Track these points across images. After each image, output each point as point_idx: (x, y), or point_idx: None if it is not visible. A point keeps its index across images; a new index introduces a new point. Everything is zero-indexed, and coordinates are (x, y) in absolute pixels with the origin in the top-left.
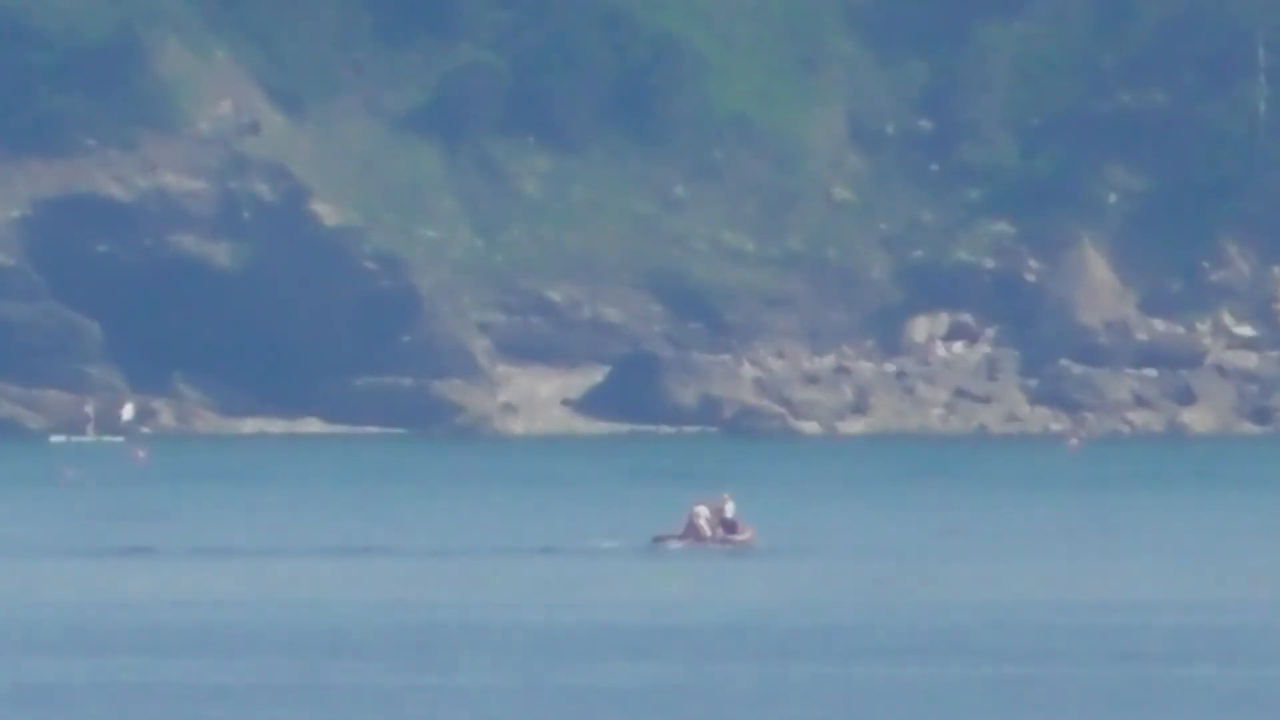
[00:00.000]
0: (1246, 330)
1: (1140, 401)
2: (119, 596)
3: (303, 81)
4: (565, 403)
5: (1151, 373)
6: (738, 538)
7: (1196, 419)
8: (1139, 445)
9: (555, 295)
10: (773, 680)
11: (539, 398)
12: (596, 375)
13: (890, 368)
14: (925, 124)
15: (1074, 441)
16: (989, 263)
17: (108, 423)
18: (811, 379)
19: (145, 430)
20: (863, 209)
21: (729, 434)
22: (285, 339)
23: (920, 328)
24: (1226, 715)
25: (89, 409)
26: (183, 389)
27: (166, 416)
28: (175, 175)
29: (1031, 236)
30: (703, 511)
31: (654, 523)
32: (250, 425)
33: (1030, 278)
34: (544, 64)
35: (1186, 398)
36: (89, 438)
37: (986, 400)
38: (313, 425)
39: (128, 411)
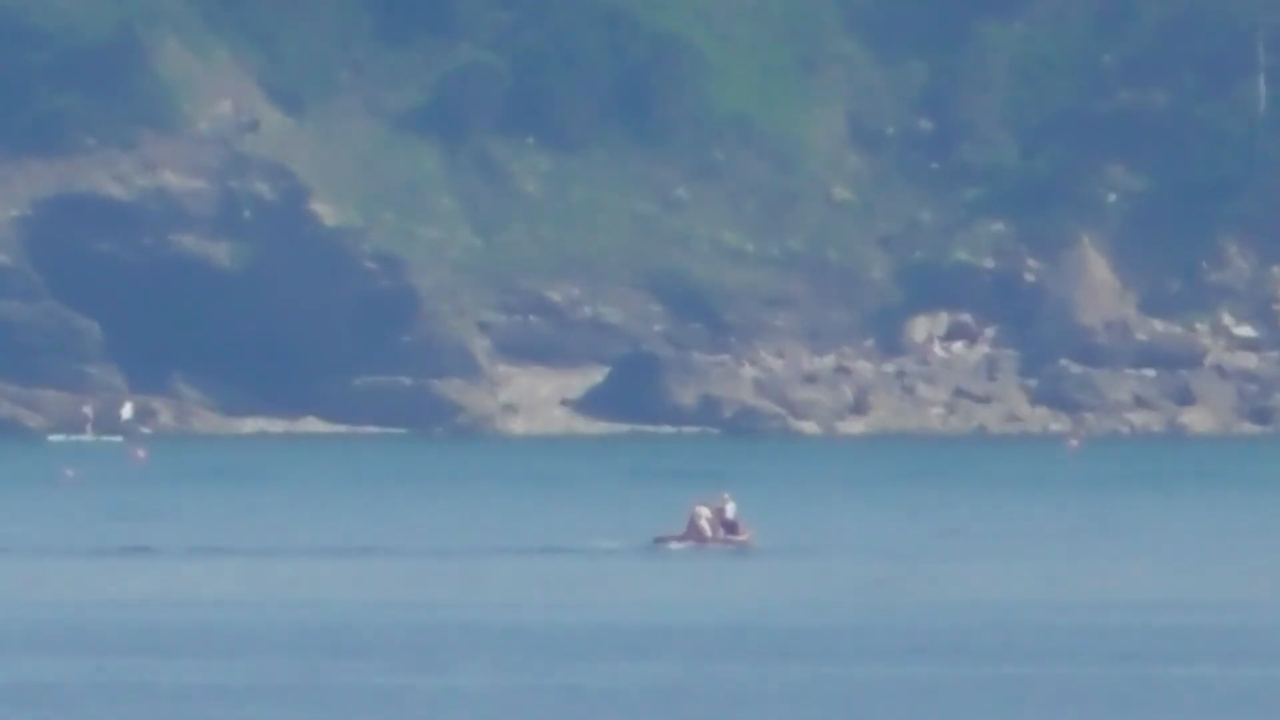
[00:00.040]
0: (1246, 330)
1: (1140, 402)
2: (119, 596)
3: (303, 81)
4: (565, 403)
5: (1151, 373)
6: (738, 538)
7: (1196, 419)
8: (1138, 445)
9: (555, 295)
10: (773, 680)
11: (539, 398)
12: (596, 375)
13: (890, 368)
14: (925, 124)
15: (1074, 442)
16: (988, 263)
17: (107, 422)
18: (811, 379)
19: (145, 430)
20: (863, 209)
21: (729, 434)
22: (285, 339)
23: (920, 328)
24: (1226, 715)
25: (88, 409)
26: (182, 389)
27: (166, 416)
28: (175, 175)
29: (1031, 236)
30: (703, 512)
31: (654, 523)
32: (250, 425)
33: (1030, 278)
34: (544, 64)
35: (1186, 398)
36: (88, 437)
37: (986, 400)
38: (312, 425)
39: (127, 411)
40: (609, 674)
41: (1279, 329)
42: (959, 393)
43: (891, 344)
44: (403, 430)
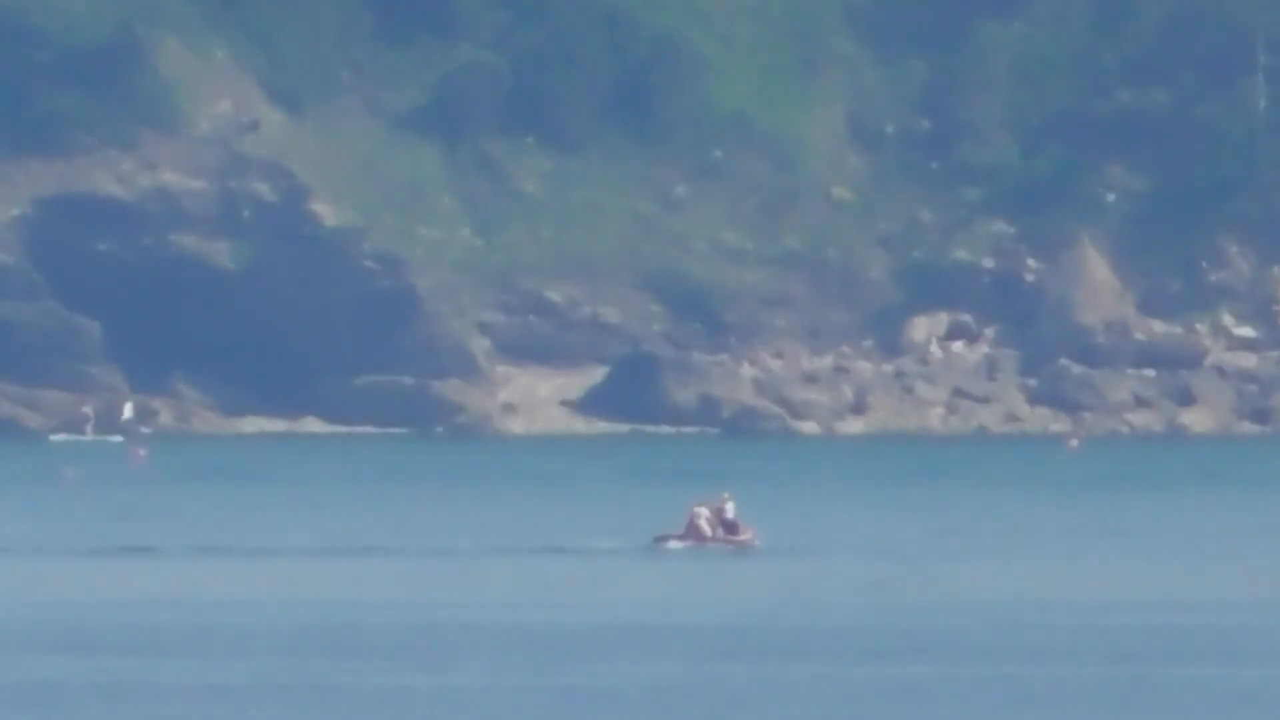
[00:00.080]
0: (1246, 330)
1: (1140, 402)
2: (119, 596)
3: (302, 81)
4: (565, 403)
5: (1151, 373)
6: (738, 538)
7: (1196, 419)
8: (1138, 445)
9: (555, 295)
10: (773, 680)
11: (538, 398)
12: (596, 375)
13: (889, 368)
14: (925, 124)
15: (1073, 442)
16: (988, 262)
17: (107, 423)
18: (810, 379)
19: (145, 430)
20: (862, 209)
21: (728, 434)
22: (285, 339)
23: (920, 328)
24: (1226, 715)
25: (88, 409)
26: (183, 389)
27: (166, 416)
28: (175, 175)
29: (1031, 236)
30: (703, 512)
31: (653, 523)
32: (250, 425)
33: (1030, 277)
34: (544, 64)
35: (1186, 398)
36: (88, 437)
37: (986, 400)
38: (312, 425)
39: (127, 411)
40: (609, 674)
41: (1279, 329)
42: (959, 393)
43: (891, 344)
44: (402, 430)
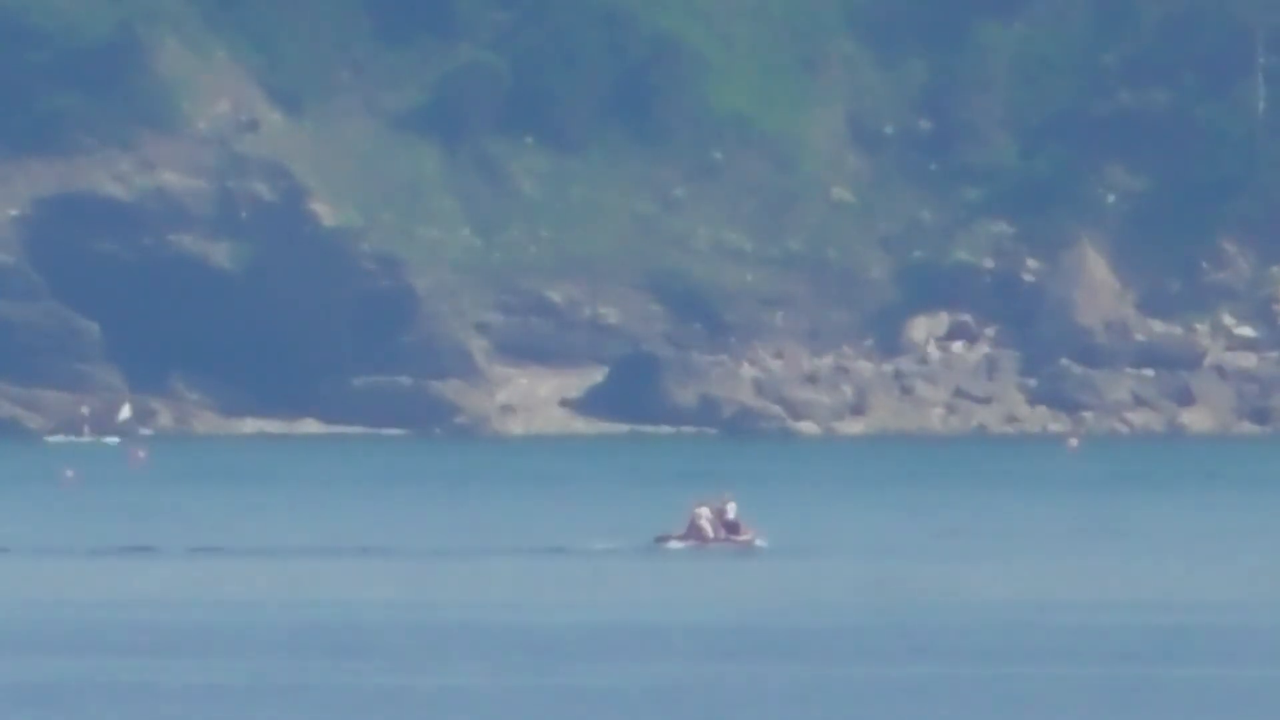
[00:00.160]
0: (1246, 330)
1: (1139, 402)
2: (119, 596)
3: (302, 81)
4: (564, 403)
5: (1150, 373)
6: (739, 538)
7: (1195, 419)
8: (1138, 445)
9: (554, 295)
10: (773, 680)
11: (538, 398)
12: (595, 375)
13: (889, 368)
14: (925, 124)
15: (1073, 442)
16: (988, 263)
17: (105, 423)
18: (810, 379)
19: (145, 431)
20: (862, 209)
21: (728, 434)
22: (285, 339)
23: (920, 328)
24: (1226, 715)
25: (85, 409)
26: (182, 389)
27: (165, 417)
28: (174, 174)
29: (1031, 236)
30: (704, 512)
31: (653, 523)
32: (249, 425)
33: (1029, 278)
34: (544, 64)
35: (1185, 398)
36: (85, 438)
37: (986, 400)
38: (311, 425)
39: (125, 411)
40: (609, 674)
41: (1278, 329)
42: (959, 393)
43: (891, 344)
44: (401, 431)
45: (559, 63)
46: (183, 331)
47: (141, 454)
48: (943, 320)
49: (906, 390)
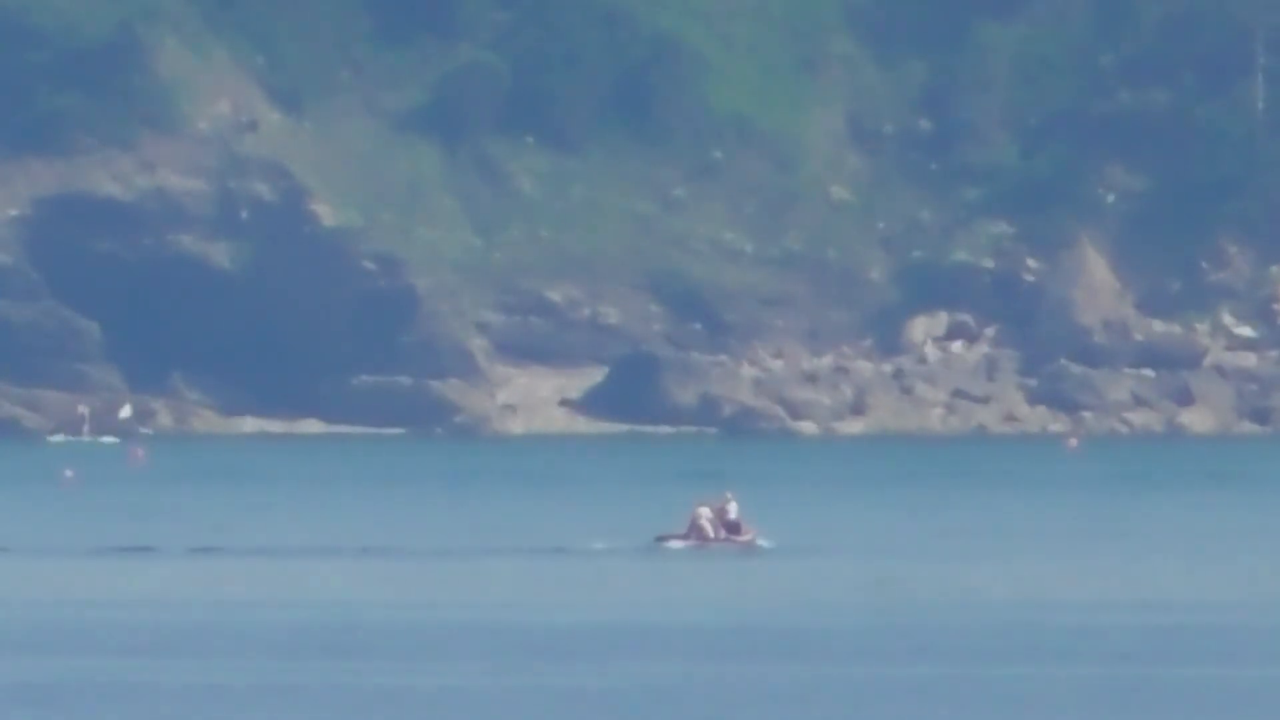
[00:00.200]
0: (1246, 330)
1: (1139, 401)
2: (119, 596)
3: (301, 81)
4: (564, 403)
5: (1150, 373)
6: (740, 538)
7: (1195, 419)
8: (1138, 445)
9: (554, 295)
10: (773, 680)
11: (538, 398)
12: (595, 375)
13: (889, 368)
14: (925, 124)
15: (1073, 441)
16: (988, 263)
17: (104, 423)
18: (810, 379)
19: (144, 430)
20: (862, 209)
21: (727, 434)
22: (285, 339)
23: (919, 328)
24: (1226, 715)
25: (84, 409)
26: (182, 389)
27: (165, 417)
28: (174, 175)
29: (1031, 236)
30: (705, 512)
31: (653, 523)
32: (249, 425)
33: (1029, 278)
34: (544, 64)
35: (1185, 398)
36: (84, 438)
37: (985, 400)
38: (312, 425)
39: (125, 411)
40: (609, 674)
41: (1278, 329)
42: (958, 393)
43: (891, 344)
44: (401, 431)
45: (559, 63)
46: (183, 331)
47: (141, 453)
48: (942, 320)
49: (906, 390)
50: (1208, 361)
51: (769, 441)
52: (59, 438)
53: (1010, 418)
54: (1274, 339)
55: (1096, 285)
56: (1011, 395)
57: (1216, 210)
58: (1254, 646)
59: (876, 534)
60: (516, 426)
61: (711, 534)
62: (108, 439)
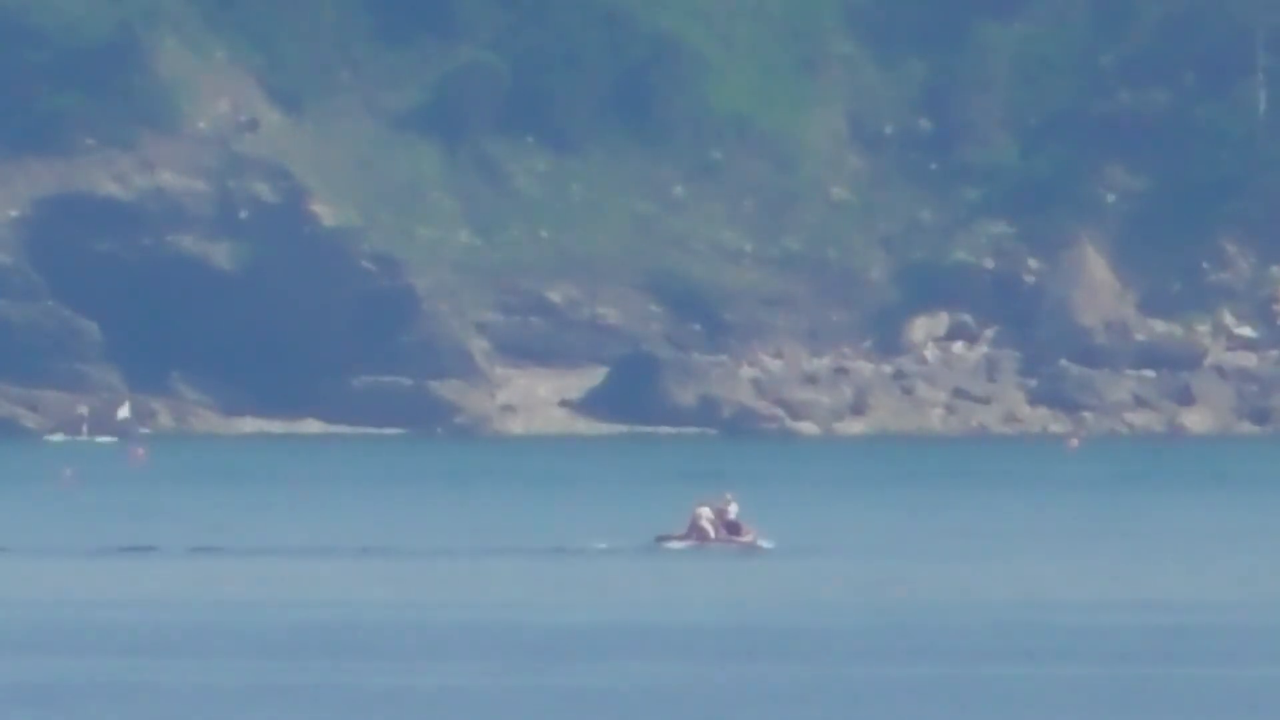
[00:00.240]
0: (1246, 331)
1: (1139, 402)
2: (119, 596)
3: (301, 81)
4: (564, 403)
5: (1151, 373)
6: (741, 539)
7: (1196, 419)
8: (1138, 445)
9: (554, 295)
10: (773, 680)
11: (537, 398)
12: (595, 376)
13: (889, 368)
14: (925, 124)
15: (1073, 442)
16: (988, 263)
17: (103, 422)
18: (810, 379)
19: (144, 430)
20: (862, 209)
21: (727, 435)
22: (284, 339)
23: (919, 328)
24: (1226, 715)
25: (83, 409)
26: (181, 389)
27: (165, 416)
28: (174, 175)
29: (1031, 236)
30: (705, 513)
31: (653, 523)
32: (249, 425)
33: (1029, 278)
34: (544, 64)
35: (1185, 398)
36: (83, 437)
37: (986, 401)
38: (311, 425)
39: (124, 411)
40: (609, 674)
41: (1278, 329)
42: (958, 393)
43: (891, 344)
44: (401, 431)
45: (559, 63)
46: (183, 331)
47: (141, 453)
48: (942, 320)
49: (906, 390)
50: (1208, 362)
51: (769, 442)
52: (57, 437)
53: (1011, 418)
54: (1274, 339)
55: (1096, 285)
56: (1012, 395)
57: (1216, 210)
58: (1254, 646)
59: (876, 534)
60: (516, 427)
61: (712, 534)
62: (105, 439)
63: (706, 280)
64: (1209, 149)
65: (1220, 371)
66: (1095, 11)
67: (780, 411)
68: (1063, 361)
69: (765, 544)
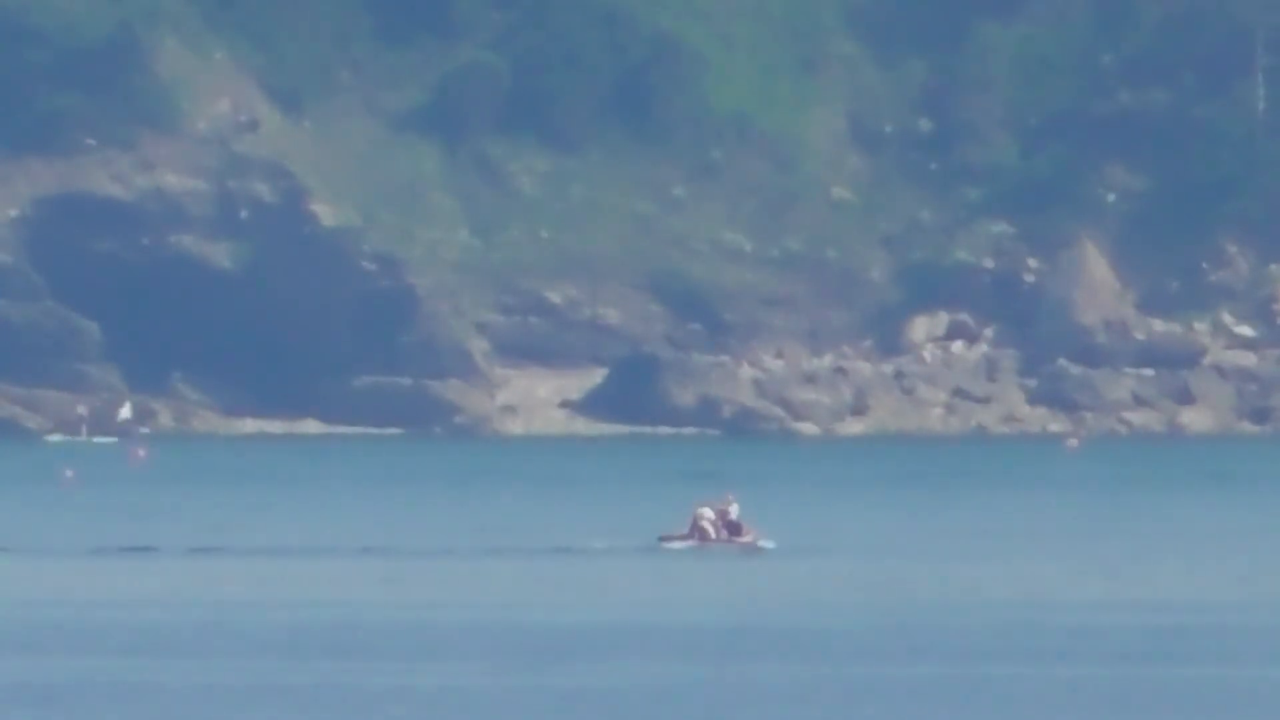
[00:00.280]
0: (1245, 330)
1: (1139, 401)
2: (119, 596)
3: (301, 81)
4: (564, 404)
5: (1150, 373)
6: (742, 539)
7: (1195, 419)
8: (1138, 445)
9: (554, 296)
10: (773, 680)
11: (537, 398)
12: (595, 376)
13: (889, 368)
14: (925, 124)
15: (1073, 441)
16: (988, 263)
17: (104, 423)
18: (810, 379)
19: (144, 430)
20: (862, 209)
21: (728, 435)
22: (284, 339)
23: (919, 328)
24: (1226, 715)
25: (82, 409)
26: (182, 389)
27: (165, 417)
28: (174, 175)
29: (1031, 236)
30: (706, 513)
31: (653, 523)
32: (249, 425)
33: (1029, 278)
34: (543, 64)
35: (1185, 398)
36: (82, 438)
37: (985, 400)
38: (311, 425)
39: (125, 411)
40: (609, 674)
41: (1278, 329)
42: (958, 393)
43: (891, 344)
44: (401, 431)
45: (559, 63)
46: (183, 331)
47: (142, 453)
48: (942, 320)
49: (906, 390)
50: (1207, 361)
51: (769, 442)
52: (56, 438)
53: (1010, 418)
54: (1274, 339)
55: (1096, 285)
56: (1011, 395)
57: (1216, 210)
58: (1254, 646)
59: (876, 534)
60: (516, 427)
61: (713, 535)
62: (103, 439)
63: (706, 280)
64: (1209, 149)
65: (1220, 371)
66: (1095, 11)
67: (780, 411)
68: (1062, 361)
69: (766, 544)
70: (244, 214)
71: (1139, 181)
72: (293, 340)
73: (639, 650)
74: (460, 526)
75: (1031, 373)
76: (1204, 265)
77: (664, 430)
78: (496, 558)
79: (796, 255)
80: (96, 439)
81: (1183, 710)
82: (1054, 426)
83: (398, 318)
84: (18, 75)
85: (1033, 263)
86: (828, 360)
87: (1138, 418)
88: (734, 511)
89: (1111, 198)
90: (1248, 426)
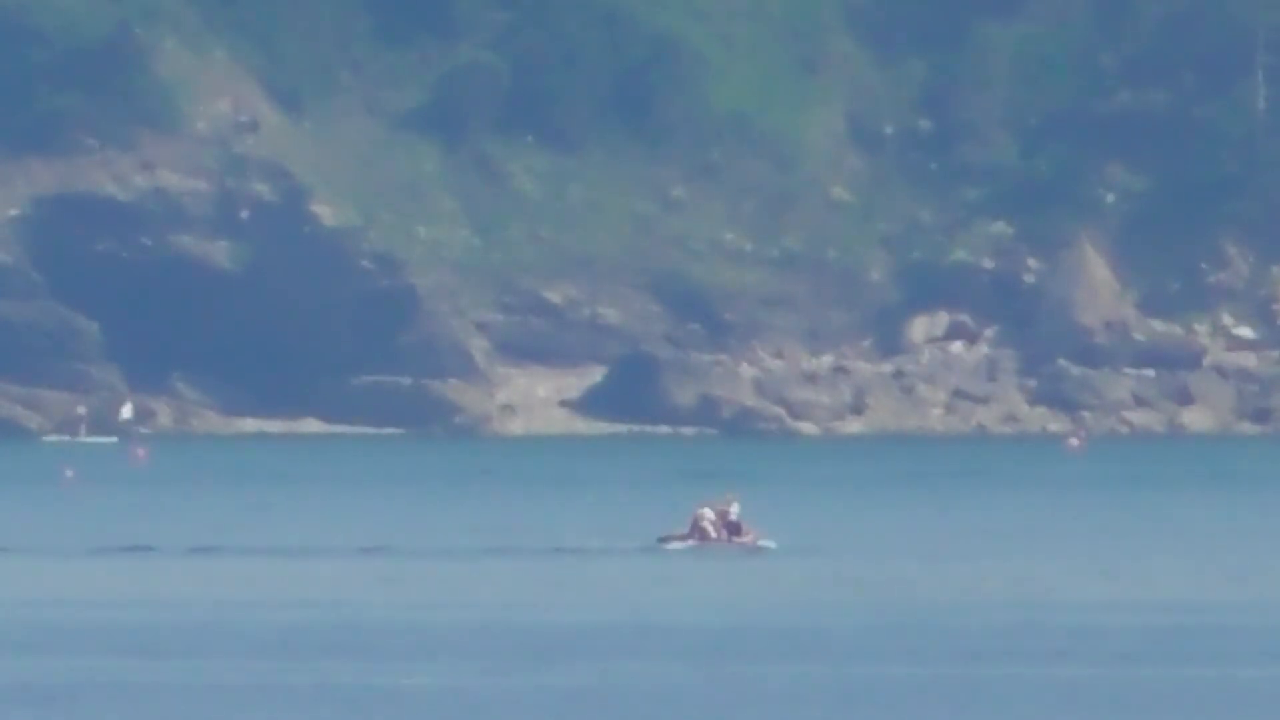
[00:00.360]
0: (1245, 331)
1: (1139, 402)
2: (119, 596)
3: (301, 81)
4: (564, 403)
5: (1150, 373)
6: (742, 539)
7: (1195, 419)
8: (1138, 445)
9: (554, 295)
10: (773, 680)
11: (537, 398)
12: (595, 376)
13: (889, 368)
14: (924, 124)
15: (1073, 441)
16: (988, 263)
17: (104, 423)
18: (810, 379)
19: (144, 430)
20: (862, 209)
21: (727, 434)
22: (284, 339)
23: (919, 328)
24: (1226, 715)
25: (82, 409)
26: (182, 389)
27: (165, 416)
28: (174, 175)
29: (1031, 236)
30: (707, 513)
31: (653, 523)
32: (249, 425)
33: (1029, 278)
34: (543, 64)
35: (1185, 398)
36: (82, 438)
37: (985, 400)
38: (311, 425)
39: (126, 411)
40: (609, 674)
41: (1278, 329)
42: (958, 393)
43: (890, 344)
44: (401, 431)
45: (559, 63)
46: (183, 331)
47: (142, 453)
48: (942, 320)
49: (906, 390)
50: (1208, 361)
51: (769, 442)
52: (54, 438)
53: (1010, 418)
54: (1274, 339)
55: (1096, 285)
56: (1012, 395)
57: (1216, 210)
58: (1254, 646)
59: (876, 534)
60: (516, 427)
61: (714, 535)
62: (100, 439)
63: (706, 280)
64: (1209, 149)
65: (1220, 371)
66: (1095, 11)
67: (780, 411)
68: (1062, 361)
69: (766, 544)
70: (244, 214)
71: (1139, 181)
72: (293, 340)
73: (639, 650)
74: (460, 526)
75: (1032, 373)
76: (1204, 266)
77: (664, 430)
78: (496, 558)
79: (796, 255)
80: (96, 439)
81: (1183, 710)
82: (1054, 426)
83: (398, 317)
84: (18, 75)
85: (1033, 263)
86: (827, 360)
87: (1138, 418)
88: (734, 511)
89: (1111, 198)
90: (1248, 427)
